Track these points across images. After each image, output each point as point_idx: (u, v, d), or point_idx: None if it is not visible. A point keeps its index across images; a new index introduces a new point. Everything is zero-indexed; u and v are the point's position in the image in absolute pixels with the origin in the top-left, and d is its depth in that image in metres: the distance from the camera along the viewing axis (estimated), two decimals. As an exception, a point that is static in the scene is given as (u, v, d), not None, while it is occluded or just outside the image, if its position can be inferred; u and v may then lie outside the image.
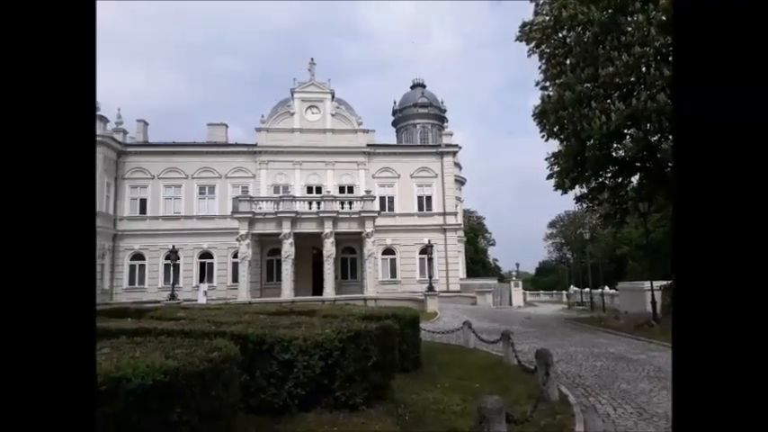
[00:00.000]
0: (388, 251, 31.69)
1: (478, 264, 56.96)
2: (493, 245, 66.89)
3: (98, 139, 27.66)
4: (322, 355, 5.51)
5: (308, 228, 26.19)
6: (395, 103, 47.83)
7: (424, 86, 47.45)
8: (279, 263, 27.40)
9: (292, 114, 31.89)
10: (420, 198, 32.50)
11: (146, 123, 34.19)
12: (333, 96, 32.68)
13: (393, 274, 31.52)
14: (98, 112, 28.15)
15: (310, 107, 32.16)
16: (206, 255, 30.36)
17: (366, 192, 28.06)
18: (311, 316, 8.33)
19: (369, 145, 32.48)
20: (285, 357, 5.36)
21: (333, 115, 32.20)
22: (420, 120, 43.99)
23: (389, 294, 26.94)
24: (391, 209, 32.06)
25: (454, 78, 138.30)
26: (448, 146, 33.20)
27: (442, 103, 46.35)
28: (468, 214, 57.29)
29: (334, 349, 5.59)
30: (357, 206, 26.77)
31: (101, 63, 72.54)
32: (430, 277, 26.24)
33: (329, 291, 25.42)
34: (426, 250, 27.26)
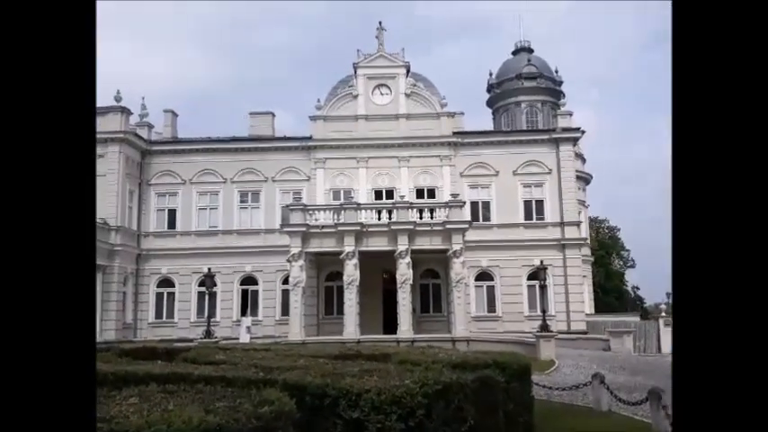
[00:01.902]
0: (484, 276, 31.26)
1: (611, 293, 54.66)
2: (632, 267, 63.87)
3: (119, 136, 30.09)
4: (401, 414, 5.51)
5: (376, 244, 26.55)
6: (491, 75, 47.45)
7: (530, 51, 46.69)
8: (340, 290, 27.98)
9: (355, 97, 32.65)
10: (527, 203, 31.81)
11: (174, 114, 36.54)
12: (408, 71, 33.05)
13: (491, 306, 31.02)
14: (119, 103, 30.58)
15: (379, 86, 32.74)
16: (249, 280, 31.73)
17: (452, 195, 27.97)
18: (384, 361, 8.41)
19: (456, 133, 32.41)
20: (353, 416, 5.43)
21: (407, 95, 32.54)
22: (525, 96, 43.27)
23: (486, 335, 26.51)
24: (487, 218, 31.67)
25: (572, 38, 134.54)
26: (565, 130, 32.28)
27: (556, 72, 45.33)
28: (596, 224, 55.25)
29: (416, 407, 5.57)
30: (440, 215, 26.74)
31: (119, 45, 78.84)
32: (543, 312, 25.50)
33: (405, 328, 25.50)
34: (538, 275, 26.53)
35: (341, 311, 27.51)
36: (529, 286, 30.57)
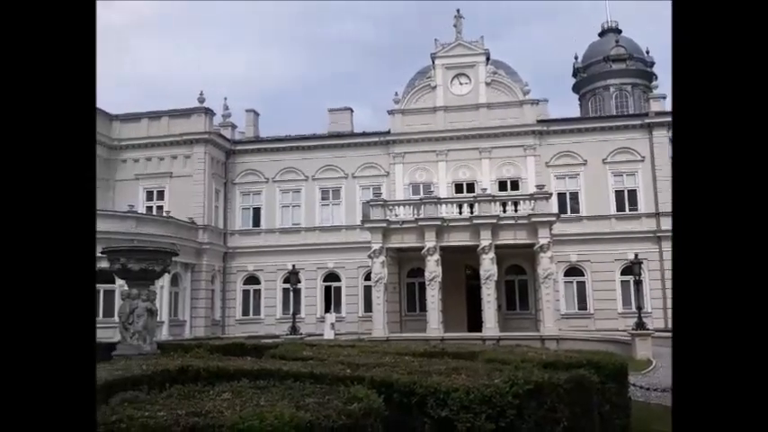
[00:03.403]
0: (574, 271, 30.38)
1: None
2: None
3: (204, 137, 31.48)
4: (491, 414, 5.47)
5: (458, 239, 26.41)
6: (576, 58, 46.04)
7: (618, 31, 44.87)
8: (422, 287, 28.07)
9: (434, 88, 32.56)
10: (619, 193, 30.60)
11: (256, 114, 37.85)
12: (488, 59, 32.61)
13: (582, 303, 30.12)
14: (203, 104, 31.95)
15: (457, 76, 32.50)
16: (332, 276, 32.42)
17: (538, 187, 27.35)
18: (471, 360, 8.39)
19: (540, 121, 31.65)
20: (442, 414, 5.45)
21: (488, 84, 32.10)
22: (614, 79, 41.62)
23: (577, 333, 25.86)
24: (575, 210, 30.75)
25: (664, 15, 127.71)
26: (659, 114, 30.73)
27: (647, 53, 43.31)
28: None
29: (507, 407, 5.52)
30: (525, 207, 26.23)
31: (199, 48, 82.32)
32: (639, 309, 24.46)
33: (490, 325, 25.27)
34: (632, 269, 25.49)
35: (423, 308, 27.60)
36: (622, 281, 29.43)
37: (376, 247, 26.53)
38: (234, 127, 36.16)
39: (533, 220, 25.69)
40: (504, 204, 26.67)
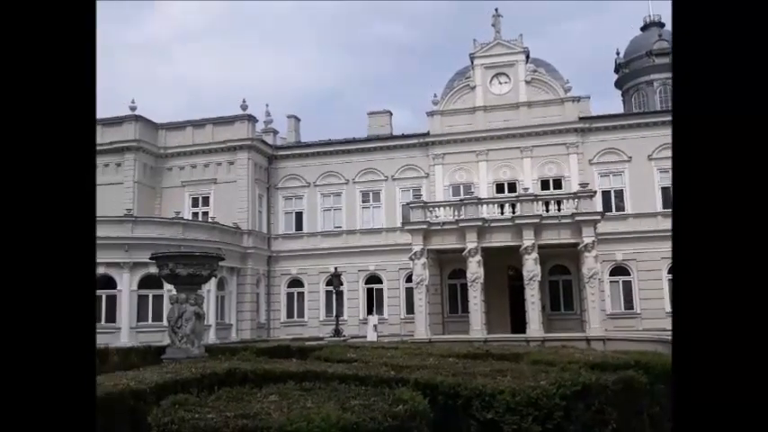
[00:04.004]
0: (620, 270, 29.73)
1: None
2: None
3: (247, 143, 32.04)
4: (537, 416, 5.43)
5: (500, 240, 26.17)
6: (618, 54, 45.11)
7: (661, 25, 43.72)
8: (464, 288, 27.91)
9: (473, 88, 32.38)
10: (665, 190, 29.80)
11: (297, 119, 38.39)
12: (527, 57, 32.26)
13: (628, 303, 29.46)
14: (245, 111, 32.53)
15: (497, 75, 32.25)
16: (373, 279, 32.55)
17: (581, 185, 26.88)
18: (516, 361, 8.32)
19: (582, 118, 31.10)
20: (487, 416, 5.43)
21: (528, 83, 31.75)
22: (658, 74, 40.54)
23: (624, 333, 25.25)
24: (621, 208, 30.10)
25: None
26: (707, 108, 29.83)
27: (693, 44, 42.06)
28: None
29: (554, 409, 5.47)
30: (569, 206, 25.80)
31: (240, 54, 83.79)
32: (688, 307, 23.79)
33: (535, 327, 24.94)
34: (680, 267, 24.78)
35: (466, 310, 27.43)
36: (670, 280, 28.65)
37: (417, 248, 26.50)
38: (275, 133, 36.72)
39: (577, 219, 25.25)
40: (546, 204, 26.30)
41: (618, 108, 41.90)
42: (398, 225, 29.98)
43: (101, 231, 26.17)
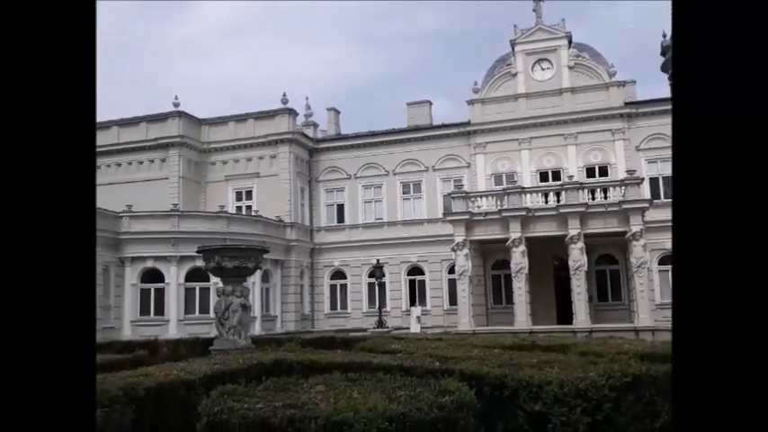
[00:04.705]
0: (669, 259, 28.93)
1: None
2: None
3: (288, 137, 32.37)
4: (586, 407, 5.35)
5: (544, 229, 25.79)
6: (664, 36, 43.67)
7: (712, 3, 42.20)
8: (508, 279, 27.66)
9: (514, 75, 31.93)
10: (717, 175, 28.87)
11: (337, 112, 38.57)
12: (570, 42, 31.60)
13: (679, 292, 28.69)
14: (286, 105, 32.84)
15: (539, 61, 31.72)
16: (415, 270, 32.54)
17: (628, 172, 26.23)
18: (563, 352, 8.22)
19: (628, 103, 30.32)
20: (535, 408, 5.37)
21: (571, 68, 31.12)
22: (709, 55, 39.14)
23: (676, 323, 24.61)
24: (670, 195, 29.24)
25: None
26: (762, 89, 28.72)
27: (745, 23, 40.48)
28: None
29: (603, 400, 5.39)
30: (616, 194, 25.24)
31: (279, 48, 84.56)
32: (743, 297, 23.05)
33: (581, 317, 24.55)
34: (734, 255, 23.99)
35: (510, 301, 27.22)
36: (724, 269, 27.78)
37: (459, 239, 26.34)
38: (316, 126, 36.98)
39: (624, 207, 24.67)
40: (592, 192, 25.79)
41: (665, 92, 40.61)
42: (440, 216, 29.85)
43: (149, 226, 26.96)
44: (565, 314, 26.43)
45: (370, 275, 31.46)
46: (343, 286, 33.65)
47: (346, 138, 35.46)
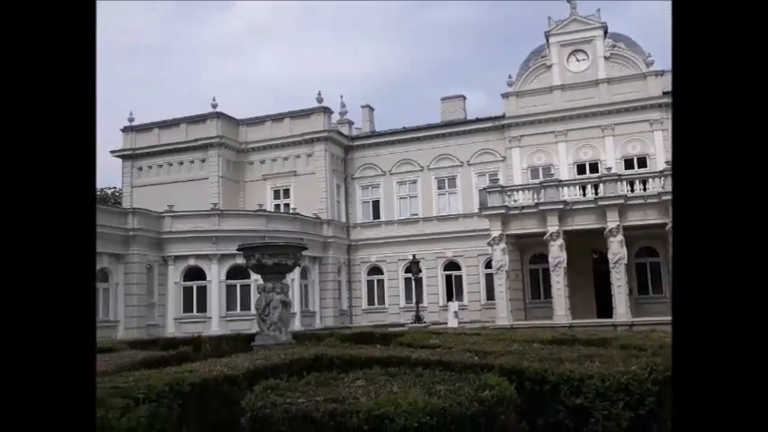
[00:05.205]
0: (713, 250, 28.21)
1: None
2: None
3: (323, 135, 32.60)
4: (629, 401, 5.26)
5: (582, 222, 25.39)
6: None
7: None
8: (546, 273, 27.33)
9: (549, 67, 31.48)
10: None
11: (371, 109, 38.66)
12: (605, 32, 30.99)
13: (723, 284, 27.91)
14: (321, 104, 33.06)
15: (574, 52, 31.21)
16: (452, 265, 32.44)
17: (667, 163, 25.58)
18: (604, 346, 8.09)
19: (666, 93, 29.54)
20: (576, 402, 5.31)
21: (607, 59, 30.51)
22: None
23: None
24: (712, 185, 28.49)
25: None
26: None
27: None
28: None
29: (646, 394, 5.29)
30: (655, 185, 24.67)
31: (307, 47, 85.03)
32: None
33: (622, 311, 24.11)
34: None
35: (548, 295, 26.89)
36: None
37: (495, 234, 26.14)
38: (351, 123, 37.17)
39: (664, 198, 24.06)
40: (631, 183, 25.27)
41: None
42: (475, 211, 29.66)
43: (190, 225, 27.51)
44: (604, 308, 26.02)
45: (407, 271, 31.47)
46: (380, 282, 33.77)
47: (381, 134, 35.55)
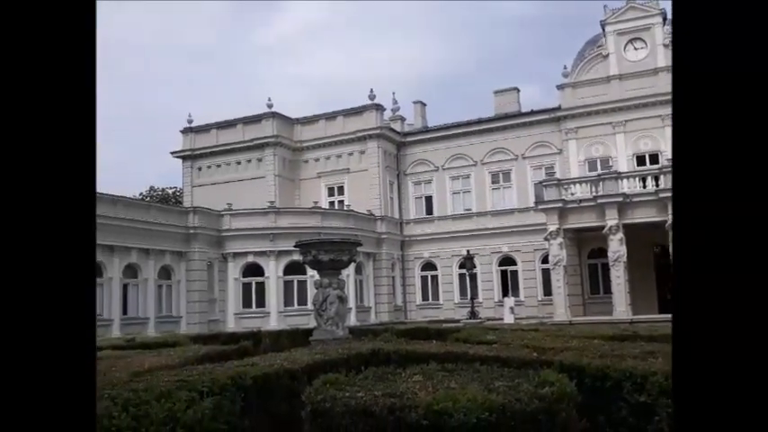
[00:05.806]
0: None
1: None
2: None
3: (376, 132, 32.73)
4: (695, 400, 5.07)
5: (643, 215, 24.60)
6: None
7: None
8: (605, 268, 26.65)
9: (606, 57, 30.62)
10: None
11: (423, 105, 38.52)
12: (664, 19, 29.87)
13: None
14: (373, 101, 33.19)
15: (631, 41, 30.24)
16: (507, 260, 32.02)
17: (735, 152, 24.52)
18: (667, 342, 7.81)
19: (732, 79, 28.30)
20: (639, 400, 5.16)
21: (666, 46, 29.38)
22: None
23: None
24: (783, 174, 27.10)
25: None
26: None
27: None
28: None
29: (713, 393, 5.08)
30: (721, 176, 23.67)
31: (360, 46, 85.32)
32: None
33: (686, 306, 23.27)
34: None
35: (608, 290, 26.22)
36: None
37: (552, 228, 25.63)
38: (403, 120, 37.12)
39: (731, 189, 23.10)
40: (694, 174, 24.31)
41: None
42: (531, 205, 29.18)
43: (248, 223, 28.16)
44: (667, 303, 25.16)
45: (461, 266, 31.27)
46: (434, 277, 33.66)
47: (433, 130, 35.36)
